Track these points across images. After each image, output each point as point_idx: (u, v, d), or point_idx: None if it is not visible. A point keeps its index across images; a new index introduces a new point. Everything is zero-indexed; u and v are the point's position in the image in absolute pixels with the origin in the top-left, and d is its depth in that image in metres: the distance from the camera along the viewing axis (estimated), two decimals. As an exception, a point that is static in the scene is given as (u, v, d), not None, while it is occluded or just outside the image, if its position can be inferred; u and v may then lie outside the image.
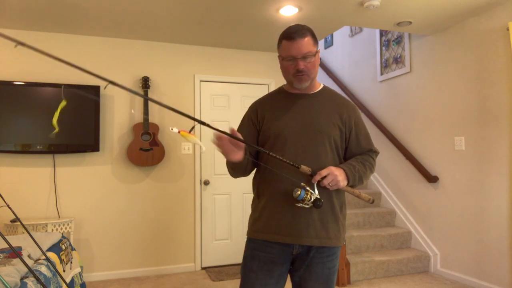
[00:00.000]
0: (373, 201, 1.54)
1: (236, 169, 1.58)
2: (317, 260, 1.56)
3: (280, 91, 1.68)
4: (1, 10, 3.25)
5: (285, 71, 1.57)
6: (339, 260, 1.65)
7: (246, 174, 1.63)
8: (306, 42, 1.49)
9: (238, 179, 4.30)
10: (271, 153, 1.45)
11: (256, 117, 1.64)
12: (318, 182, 1.46)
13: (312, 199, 1.43)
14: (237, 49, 4.45)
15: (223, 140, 1.40)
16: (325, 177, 1.46)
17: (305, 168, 1.45)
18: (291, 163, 1.44)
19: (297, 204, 1.45)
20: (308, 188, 1.44)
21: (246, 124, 1.66)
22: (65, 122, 3.67)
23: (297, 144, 1.53)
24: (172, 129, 1.25)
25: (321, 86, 1.66)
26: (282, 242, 1.53)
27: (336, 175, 1.46)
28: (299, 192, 1.42)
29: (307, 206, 1.44)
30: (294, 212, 1.51)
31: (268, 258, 1.55)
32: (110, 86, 3.96)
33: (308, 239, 1.52)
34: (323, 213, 1.54)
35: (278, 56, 1.58)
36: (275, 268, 1.55)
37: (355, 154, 1.63)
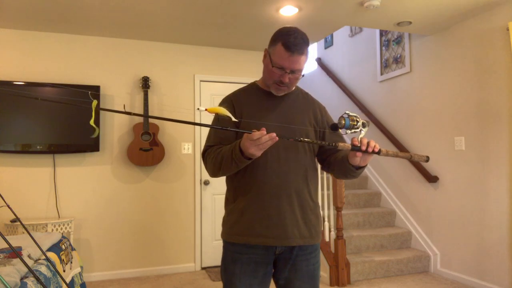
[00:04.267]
0: (428, 159, 1.44)
1: (242, 166, 1.44)
2: (301, 258, 1.55)
3: (254, 88, 1.64)
4: (1, 10, 3.25)
5: (268, 73, 1.53)
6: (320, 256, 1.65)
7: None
8: (301, 60, 1.46)
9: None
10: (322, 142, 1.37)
11: (233, 113, 1.55)
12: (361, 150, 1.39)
13: (359, 123, 1.39)
14: (237, 49, 4.44)
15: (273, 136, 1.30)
16: (367, 144, 1.39)
17: (344, 145, 1.38)
18: (328, 143, 1.38)
19: (347, 132, 1.41)
20: (351, 113, 1.39)
21: (222, 120, 1.49)
22: (65, 122, 3.68)
23: (278, 143, 1.46)
24: (198, 108, 1.25)
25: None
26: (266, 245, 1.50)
27: (370, 140, 1.40)
28: (343, 122, 1.37)
29: (357, 130, 1.40)
30: (279, 213, 1.49)
31: (251, 259, 1.52)
32: (110, 85, 3.96)
33: (293, 240, 1.51)
34: (305, 212, 1.54)
35: (266, 53, 1.54)
36: (259, 268, 1.52)
37: (334, 152, 1.62)
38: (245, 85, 1.70)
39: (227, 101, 1.60)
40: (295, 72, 1.48)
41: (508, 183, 3.22)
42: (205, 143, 1.61)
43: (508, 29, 3.17)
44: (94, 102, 1.15)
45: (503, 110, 3.28)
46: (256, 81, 1.68)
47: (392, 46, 4.58)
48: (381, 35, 4.78)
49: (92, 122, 1.24)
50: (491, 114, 3.38)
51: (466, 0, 3.16)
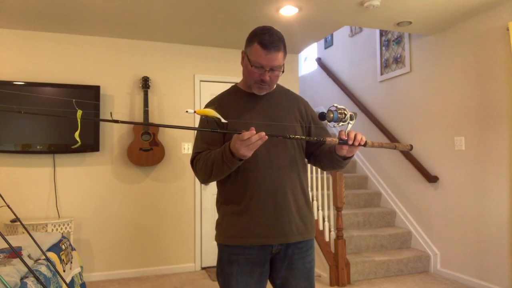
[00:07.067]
0: (411, 148, 1.49)
1: (233, 168, 1.44)
2: (298, 256, 1.55)
3: (236, 91, 1.66)
4: (1, 10, 3.25)
5: (248, 74, 1.54)
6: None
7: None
8: (279, 57, 1.47)
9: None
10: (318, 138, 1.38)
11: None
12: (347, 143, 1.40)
13: (347, 116, 1.40)
14: (237, 49, 4.44)
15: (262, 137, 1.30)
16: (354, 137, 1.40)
17: (332, 140, 1.40)
18: (317, 139, 1.38)
19: (335, 125, 1.41)
20: (339, 106, 1.40)
21: (209, 126, 1.52)
22: (65, 122, 3.68)
23: (267, 142, 1.42)
24: (187, 111, 1.22)
25: None
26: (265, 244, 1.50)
27: (357, 132, 1.41)
28: (332, 115, 1.37)
29: (344, 123, 1.41)
30: (275, 211, 1.49)
31: (248, 260, 1.52)
32: (110, 85, 3.96)
33: (292, 236, 1.51)
34: (300, 207, 1.55)
35: (244, 54, 1.55)
36: (256, 268, 1.52)
37: (319, 146, 1.64)
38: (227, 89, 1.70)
39: (211, 106, 1.55)
40: (275, 69, 1.49)
41: (508, 183, 3.22)
42: (193, 150, 1.60)
43: (508, 29, 3.17)
44: (79, 112, 1.09)
45: (503, 110, 3.28)
46: (237, 83, 1.69)
47: (392, 46, 4.58)
48: (381, 35, 4.78)
49: (77, 134, 1.19)
50: (491, 114, 3.38)
51: (466, 0, 3.16)
